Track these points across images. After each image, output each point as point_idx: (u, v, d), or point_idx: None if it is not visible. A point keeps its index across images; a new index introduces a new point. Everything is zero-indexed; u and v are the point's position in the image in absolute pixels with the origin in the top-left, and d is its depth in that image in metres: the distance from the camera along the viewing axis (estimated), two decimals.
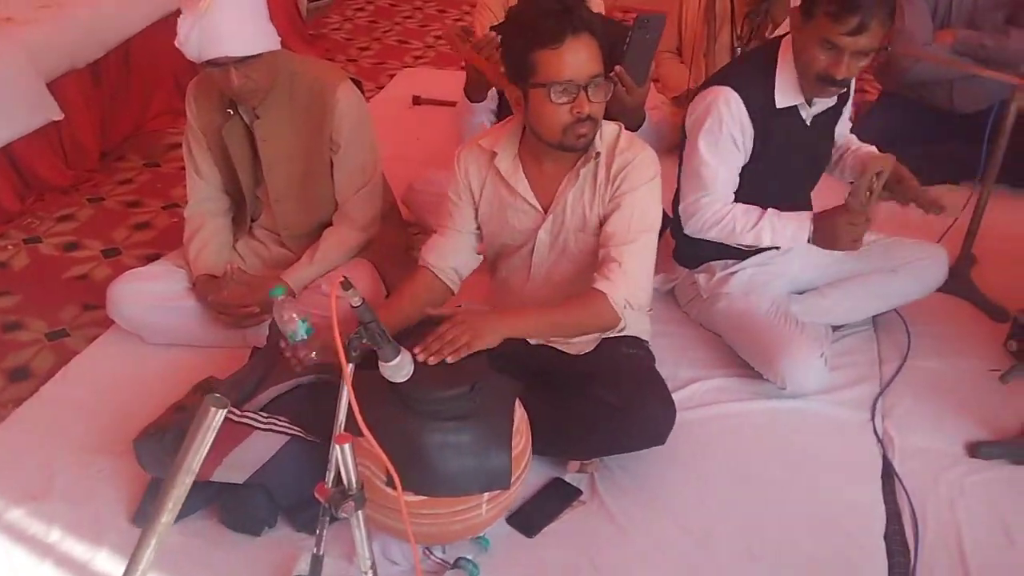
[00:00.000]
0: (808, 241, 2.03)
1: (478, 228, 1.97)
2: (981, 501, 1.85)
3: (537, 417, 1.73)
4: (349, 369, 1.35)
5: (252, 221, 2.34)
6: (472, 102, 2.37)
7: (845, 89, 2.02)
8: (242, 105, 2.11)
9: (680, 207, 2.15)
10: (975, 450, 1.97)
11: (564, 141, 1.73)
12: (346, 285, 1.33)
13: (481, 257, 2.01)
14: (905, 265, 2.23)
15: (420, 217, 2.73)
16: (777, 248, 2.23)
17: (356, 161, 2.22)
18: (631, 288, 1.77)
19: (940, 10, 2.90)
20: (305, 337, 1.75)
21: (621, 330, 1.81)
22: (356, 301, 1.35)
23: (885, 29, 1.88)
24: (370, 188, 2.26)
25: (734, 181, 2.10)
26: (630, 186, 1.79)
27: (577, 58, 1.64)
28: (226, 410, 0.99)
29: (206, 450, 1.03)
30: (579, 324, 1.80)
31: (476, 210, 1.94)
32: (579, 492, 1.83)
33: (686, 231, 2.15)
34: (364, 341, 1.40)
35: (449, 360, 1.60)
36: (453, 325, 1.66)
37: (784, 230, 2.04)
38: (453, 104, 3.55)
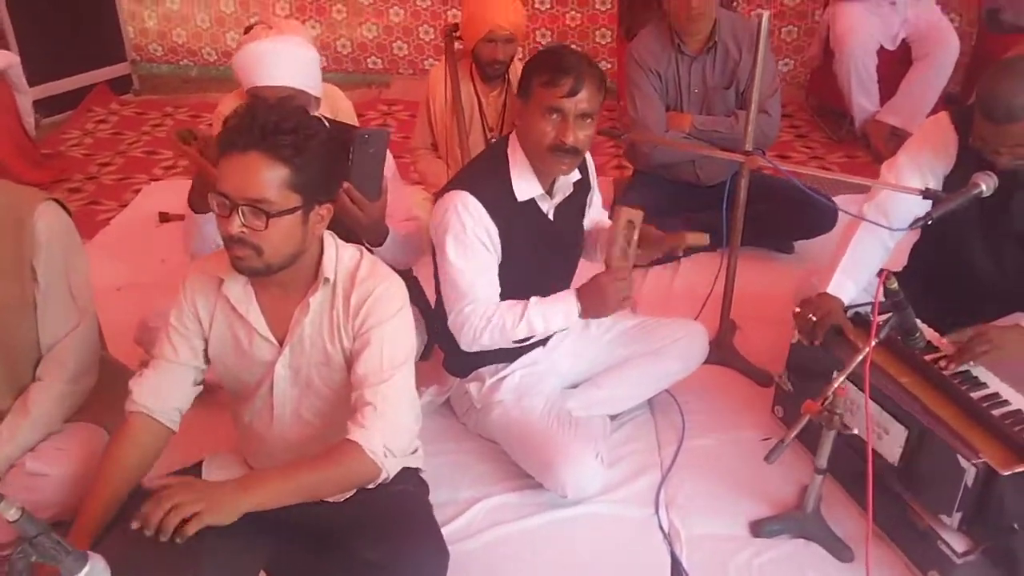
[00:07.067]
0: (580, 316, 1.97)
1: (206, 363, 1.75)
2: None
3: None
4: None
5: None
6: (197, 213, 2.13)
7: (578, 158, 1.99)
8: None
9: (448, 323, 2.03)
10: (758, 529, 1.96)
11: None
12: None
13: (200, 388, 1.77)
14: (668, 346, 2.24)
15: None
16: (543, 345, 2.19)
17: (65, 295, 1.92)
18: (389, 433, 1.60)
19: (671, 96, 3.04)
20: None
21: (385, 480, 1.64)
22: (12, 515, 1.11)
23: (601, 95, 1.93)
24: (85, 327, 1.96)
25: (494, 284, 2.02)
26: (377, 320, 1.64)
27: (235, 175, 1.51)
28: None
29: None
30: (333, 483, 1.60)
31: (206, 342, 1.73)
32: None
33: (462, 346, 2.03)
34: (34, 560, 1.14)
35: (178, 540, 1.35)
36: (181, 490, 1.42)
37: (554, 314, 1.98)
38: None
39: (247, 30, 2.89)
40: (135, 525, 1.35)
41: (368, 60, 5.23)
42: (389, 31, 5.16)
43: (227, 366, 1.75)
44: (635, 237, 1.95)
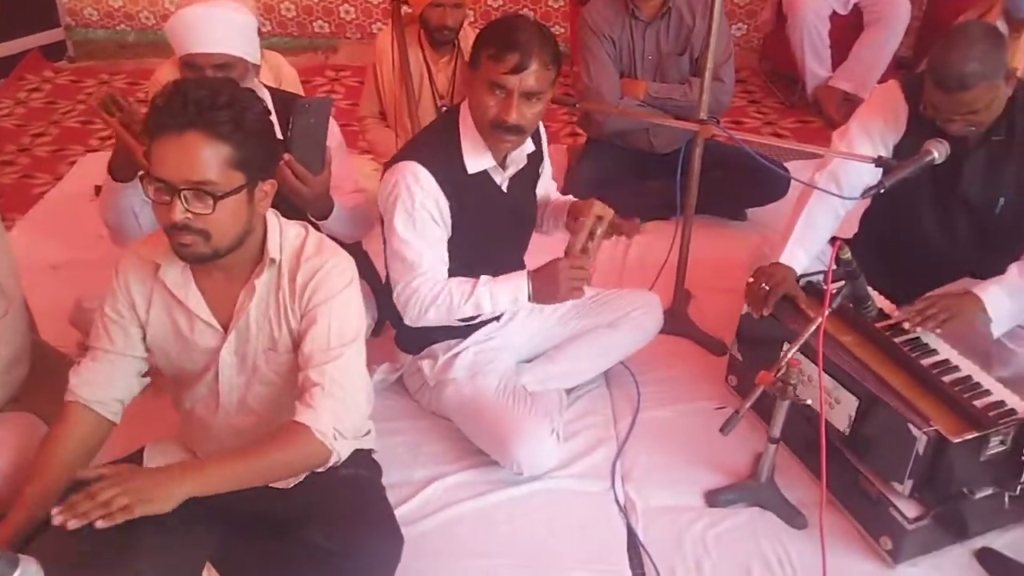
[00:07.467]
0: (529, 299, 1.94)
1: (146, 351, 1.68)
2: (724, 554, 1.84)
3: None
4: None
5: None
6: (117, 181, 2.02)
7: (522, 136, 1.93)
8: None
9: (394, 296, 1.98)
10: (713, 499, 1.96)
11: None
12: None
13: (148, 380, 1.70)
14: (623, 318, 2.22)
15: None
16: (497, 320, 2.15)
17: None
18: (339, 413, 1.55)
19: (624, 63, 2.99)
20: None
21: (336, 463, 1.59)
22: None
23: (552, 72, 1.86)
24: (13, 315, 1.85)
25: (443, 258, 1.98)
26: (324, 297, 1.58)
27: (173, 158, 1.42)
28: None
29: None
30: (281, 467, 1.54)
31: (144, 331, 1.65)
32: None
33: (406, 321, 1.99)
34: None
35: (100, 524, 1.29)
36: (111, 483, 1.36)
37: (503, 294, 1.94)
38: None
39: None
40: (55, 511, 1.29)
41: (314, 24, 5.07)
42: None
43: (168, 355, 1.68)
44: (599, 232, 1.91)
